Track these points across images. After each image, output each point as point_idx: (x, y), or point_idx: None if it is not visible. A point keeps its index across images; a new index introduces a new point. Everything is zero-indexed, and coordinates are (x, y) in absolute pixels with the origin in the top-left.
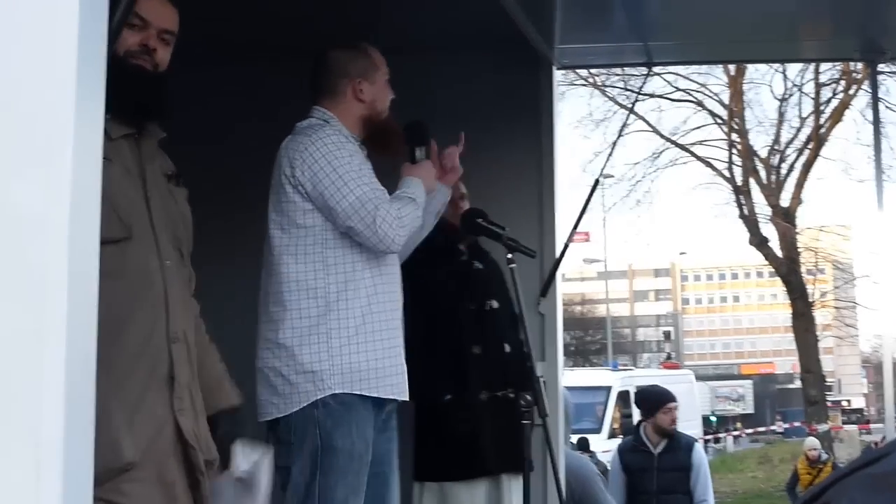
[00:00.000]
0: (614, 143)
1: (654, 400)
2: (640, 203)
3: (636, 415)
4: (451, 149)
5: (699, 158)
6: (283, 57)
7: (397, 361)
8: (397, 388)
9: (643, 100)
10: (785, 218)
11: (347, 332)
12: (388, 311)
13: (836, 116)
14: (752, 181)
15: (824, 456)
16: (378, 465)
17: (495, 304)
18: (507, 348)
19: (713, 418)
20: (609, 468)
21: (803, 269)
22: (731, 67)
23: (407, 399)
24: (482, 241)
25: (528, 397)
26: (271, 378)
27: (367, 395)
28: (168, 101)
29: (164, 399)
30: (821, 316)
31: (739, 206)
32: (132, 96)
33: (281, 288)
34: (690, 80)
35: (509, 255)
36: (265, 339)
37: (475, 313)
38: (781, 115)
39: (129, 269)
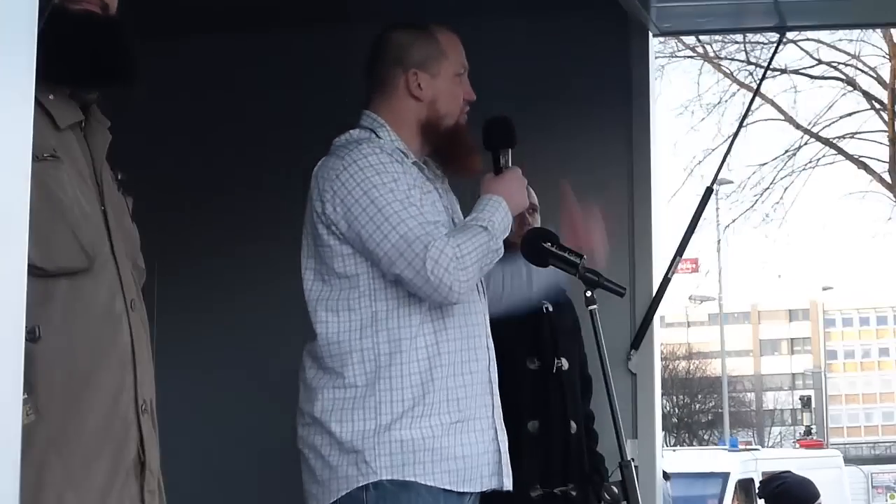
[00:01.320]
0: (733, 137)
1: (801, 500)
2: (768, 219)
3: None
4: None
5: (850, 157)
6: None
7: (471, 440)
8: (468, 474)
9: (773, 77)
10: None
11: (403, 405)
12: (459, 374)
13: None
14: None
15: None
16: None
17: (565, 363)
18: (573, 427)
19: None
20: None
21: None
22: (894, 32)
23: (490, 489)
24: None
25: (615, 489)
26: (311, 460)
27: (422, 482)
28: (134, 55)
29: (132, 491)
30: None
31: None
32: (88, 49)
33: (320, 350)
34: (838, 49)
35: (588, 293)
36: (302, 411)
37: (538, 375)
38: None
39: (90, 312)
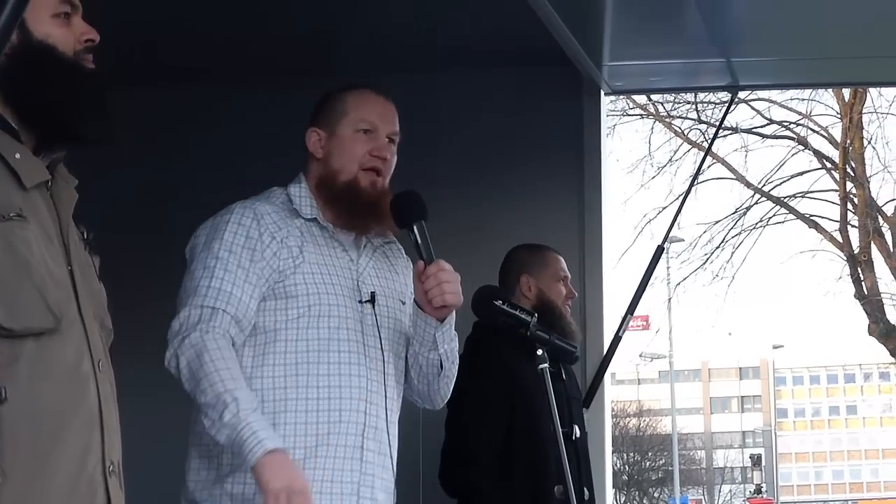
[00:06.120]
0: (685, 196)
1: None
2: (718, 277)
3: None
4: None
5: (801, 216)
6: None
7: (330, 489)
8: None
9: (724, 136)
10: None
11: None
12: (312, 434)
13: None
14: (874, 248)
15: None
16: None
17: (577, 431)
18: (586, 494)
19: None
20: None
21: None
22: (846, 92)
23: None
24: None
25: None
26: None
27: None
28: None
29: None
30: None
31: (857, 281)
32: (102, 111)
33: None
34: (789, 108)
35: (539, 352)
36: None
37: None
38: None
39: (57, 372)
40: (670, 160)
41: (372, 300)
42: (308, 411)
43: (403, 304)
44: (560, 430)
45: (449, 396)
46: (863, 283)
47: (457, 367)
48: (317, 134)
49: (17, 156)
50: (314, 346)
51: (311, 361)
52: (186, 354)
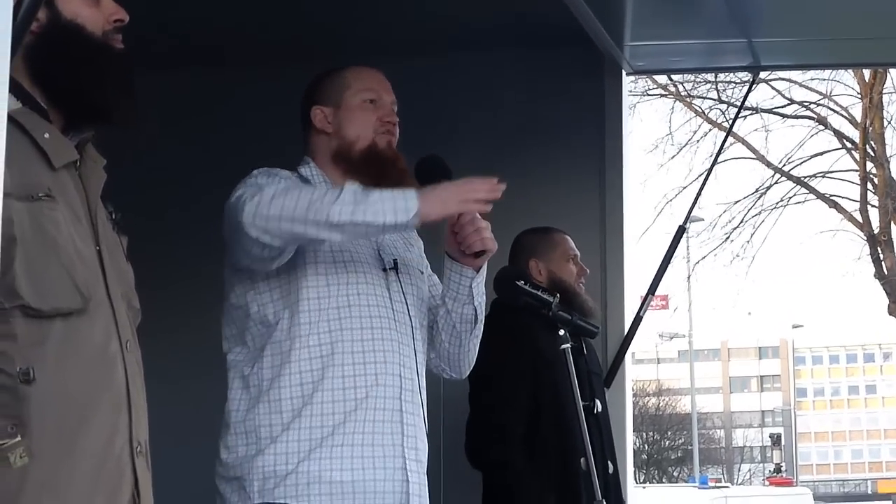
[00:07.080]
0: (706, 176)
1: None
2: (739, 257)
3: None
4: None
5: (821, 196)
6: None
7: (360, 465)
8: (357, 499)
9: (745, 116)
10: None
11: (281, 423)
12: (351, 399)
13: None
14: (893, 228)
15: None
16: None
17: (599, 405)
18: (611, 468)
19: None
20: None
21: None
22: (866, 72)
23: None
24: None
25: None
26: (217, 497)
27: None
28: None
29: None
30: None
31: (876, 261)
32: (129, 91)
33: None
34: (809, 88)
35: (561, 332)
36: None
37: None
38: None
39: (85, 353)
40: (690, 139)
41: (395, 267)
42: (345, 376)
43: (422, 273)
44: (581, 404)
45: (474, 362)
46: (882, 263)
47: (482, 326)
48: (321, 111)
49: (46, 135)
50: (346, 314)
51: (344, 328)
52: (270, 209)
